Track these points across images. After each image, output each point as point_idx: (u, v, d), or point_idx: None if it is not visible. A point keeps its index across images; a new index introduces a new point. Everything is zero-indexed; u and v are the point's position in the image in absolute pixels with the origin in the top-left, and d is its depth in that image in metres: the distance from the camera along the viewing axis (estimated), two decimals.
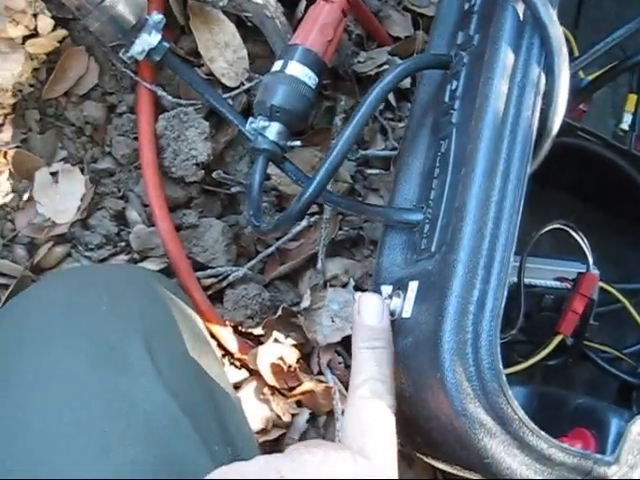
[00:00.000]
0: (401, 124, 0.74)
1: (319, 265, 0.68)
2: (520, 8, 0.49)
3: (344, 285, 0.69)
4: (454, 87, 0.55)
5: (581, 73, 0.70)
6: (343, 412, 0.64)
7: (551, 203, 0.81)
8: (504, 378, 0.41)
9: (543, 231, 0.61)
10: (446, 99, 0.55)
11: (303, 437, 0.66)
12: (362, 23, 0.73)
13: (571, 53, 0.70)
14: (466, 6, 0.58)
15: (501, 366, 0.41)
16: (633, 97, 0.71)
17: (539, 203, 0.80)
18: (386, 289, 0.51)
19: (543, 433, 0.42)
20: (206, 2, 0.64)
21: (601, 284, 0.69)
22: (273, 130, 0.57)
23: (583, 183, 0.78)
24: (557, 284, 0.66)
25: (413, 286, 0.48)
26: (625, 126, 0.71)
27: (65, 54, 0.63)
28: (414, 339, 0.46)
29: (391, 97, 0.74)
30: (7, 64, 0.60)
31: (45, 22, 0.61)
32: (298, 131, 0.65)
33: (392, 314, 0.48)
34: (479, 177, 0.46)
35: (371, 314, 0.47)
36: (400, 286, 0.50)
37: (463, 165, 0.47)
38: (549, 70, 0.47)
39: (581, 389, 0.78)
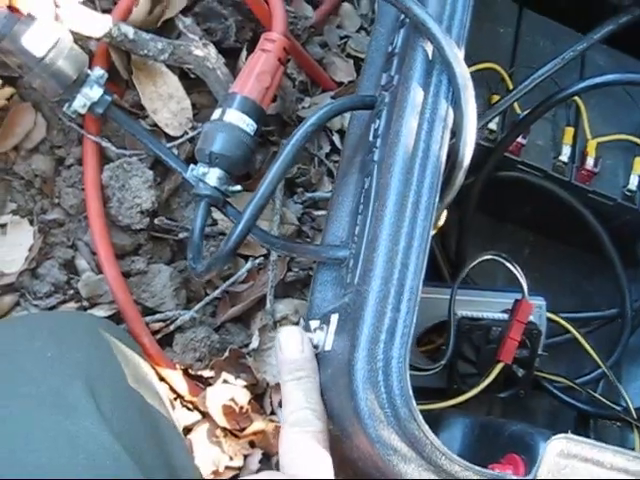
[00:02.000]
0: None
1: (268, 306, 0.69)
2: (429, 49, 0.52)
3: (295, 324, 0.70)
4: (377, 126, 0.57)
5: (518, 109, 0.72)
6: None
7: (505, 236, 0.82)
8: (414, 404, 0.42)
9: (474, 263, 0.63)
10: (370, 138, 0.57)
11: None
12: (305, 70, 0.76)
13: (507, 90, 0.72)
14: (389, 49, 0.61)
15: (411, 392, 0.42)
16: (570, 130, 0.73)
17: (494, 237, 0.82)
18: (314, 324, 0.52)
19: (455, 457, 0.42)
20: (148, 57, 0.66)
21: (548, 314, 0.71)
22: (213, 176, 0.60)
23: (533, 216, 0.80)
24: (503, 316, 0.67)
25: (334, 319, 0.49)
26: (565, 158, 0.73)
27: (13, 110, 0.66)
28: (332, 370, 0.47)
29: (337, 140, 0.76)
30: None
31: None
32: (242, 175, 0.68)
33: (316, 347, 0.50)
34: (390, 209, 0.47)
35: (292, 346, 0.48)
36: (325, 320, 0.51)
37: (377, 199, 0.49)
38: (457, 105, 0.49)
39: (541, 420, 0.78)
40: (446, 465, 0.42)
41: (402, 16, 0.61)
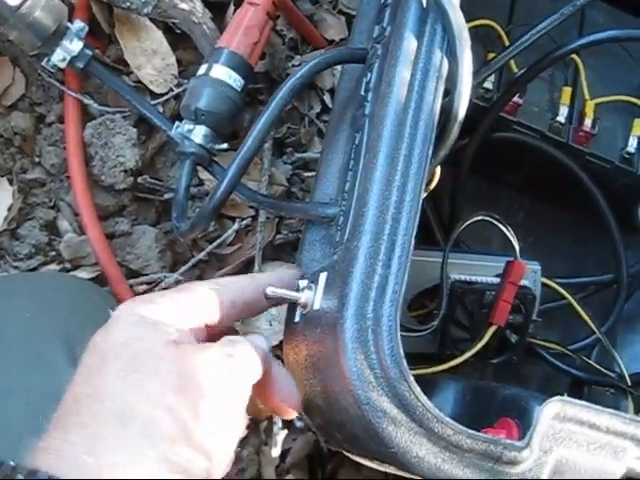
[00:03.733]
0: None
1: (256, 269, 0.67)
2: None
3: None
4: (368, 79, 0.54)
5: (514, 67, 0.70)
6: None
7: (500, 201, 0.80)
8: (405, 364, 0.40)
9: (466, 224, 0.61)
10: (362, 92, 0.55)
11: (244, 441, 0.65)
12: (295, 27, 0.73)
13: (504, 47, 0.70)
14: (382, 0, 0.58)
15: (402, 352, 0.41)
16: (568, 90, 0.71)
17: (489, 201, 0.80)
18: (302, 283, 0.50)
19: (448, 419, 0.41)
20: (131, 10, 0.64)
21: (543, 279, 0.69)
22: (199, 133, 0.58)
23: (528, 179, 0.78)
24: (497, 280, 0.65)
25: (323, 277, 0.47)
26: (562, 119, 0.70)
27: None
28: (321, 329, 0.45)
29: (328, 99, 0.74)
30: None
31: None
32: (229, 134, 0.66)
33: (305, 307, 0.48)
34: (381, 162, 0.45)
35: None
36: (313, 279, 0.49)
37: (367, 152, 0.47)
38: (452, 55, 0.47)
39: (534, 386, 0.77)
40: (438, 428, 0.41)
41: None
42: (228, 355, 0.39)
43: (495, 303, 0.62)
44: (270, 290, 0.48)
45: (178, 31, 0.68)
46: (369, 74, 0.55)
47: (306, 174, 0.71)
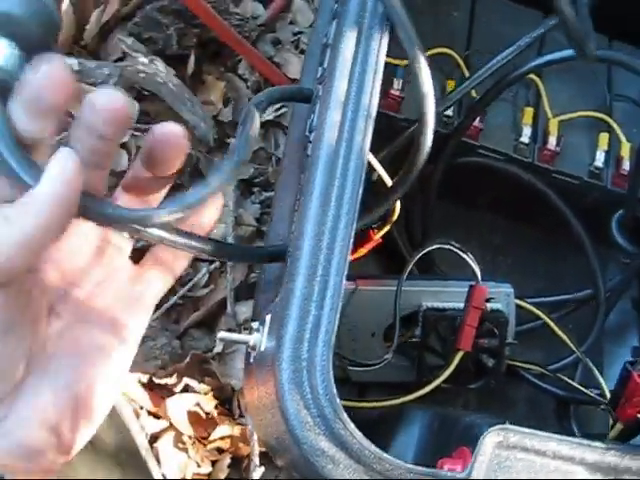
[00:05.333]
0: None
1: (229, 309, 0.68)
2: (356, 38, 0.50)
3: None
4: (311, 120, 0.56)
5: (473, 92, 0.70)
6: (259, 454, 0.65)
7: (474, 223, 0.81)
8: (338, 402, 0.41)
9: (421, 253, 0.61)
10: (307, 133, 0.56)
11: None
12: (257, 69, 0.75)
13: (462, 75, 0.71)
14: (325, 40, 0.60)
15: (334, 390, 0.41)
16: (530, 110, 0.72)
17: (462, 225, 0.81)
18: (254, 325, 0.51)
19: (386, 455, 0.41)
20: (96, 84, 0.66)
21: (516, 301, 0.69)
22: None
23: (499, 200, 0.78)
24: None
25: (267, 319, 0.48)
26: (525, 139, 0.71)
27: None
28: (265, 371, 0.46)
29: None
30: None
31: None
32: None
33: (254, 349, 0.49)
34: (314, 204, 0.46)
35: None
36: (262, 321, 0.50)
37: (302, 195, 0.48)
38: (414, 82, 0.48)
39: (521, 409, 0.76)
40: (376, 464, 0.41)
41: (335, 6, 0.60)
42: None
43: (461, 328, 0.62)
44: (221, 335, 0.49)
45: (146, 92, 0.70)
46: (312, 115, 0.56)
47: None
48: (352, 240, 0.45)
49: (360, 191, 0.46)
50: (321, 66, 0.59)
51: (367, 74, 0.49)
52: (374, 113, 0.48)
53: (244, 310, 0.69)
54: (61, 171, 0.33)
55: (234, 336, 0.49)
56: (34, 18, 0.37)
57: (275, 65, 0.76)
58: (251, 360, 0.51)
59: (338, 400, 0.41)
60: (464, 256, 0.62)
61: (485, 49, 0.71)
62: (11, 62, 0.36)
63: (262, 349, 0.47)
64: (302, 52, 0.78)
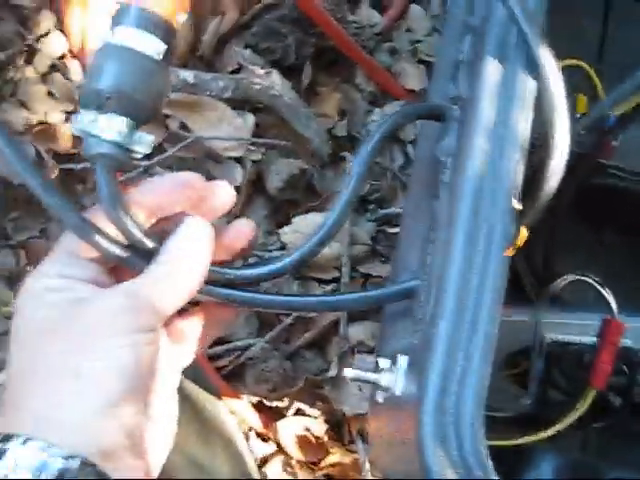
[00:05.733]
0: None
1: (341, 331, 0.66)
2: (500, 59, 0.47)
3: (371, 350, 0.67)
4: (447, 143, 0.52)
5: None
6: None
7: (601, 250, 0.75)
8: (490, 465, 0.38)
9: (560, 286, 0.57)
10: (440, 156, 0.53)
11: None
12: (374, 80, 0.72)
13: (595, 91, 0.66)
14: (460, 56, 0.56)
15: (484, 449, 0.38)
16: None
17: (589, 251, 0.75)
18: (383, 362, 0.49)
19: None
20: (212, 96, 0.65)
21: None
22: (108, 125, 0.39)
23: (633, 225, 0.72)
24: (594, 340, 0.61)
25: (403, 361, 0.45)
26: None
27: None
28: (403, 418, 0.43)
29: (411, 151, 0.72)
30: None
31: None
32: (309, 196, 0.65)
33: (386, 390, 0.46)
34: (460, 241, 0.43)
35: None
36: (394, 360, 0.47)
37: (445, 228, 0.45)
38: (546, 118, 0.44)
39: None
40: None
41: (470, 20, 0.56)
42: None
43: (594, 365, 0.58)
44: (350, 373, 0.46)
45: (260, 105, 0.68)
46: (447, 138, 0.52)
47: (391, 230, 0.70)
48: (505, 284, 0.42)
49: (513, 228, 0.43)
50: (454, 84, 0.55)
51: (516, 100, 0.45)
52: (526, 144, 0.45)
53: (357, 332, 0.67)
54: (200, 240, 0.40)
55: (363, 375, 0.46)
56: (147, 94, 0.41)
57: (392, 75, 0.73)
58: (380, 399, 0.48)
59: (489, 462, 0.38)
60: (602, 290, 0.58)
61: (620, 61, 0.66)
62: (126, 139, 0.40)
63: (398, 393, 0.45)
64: (420, 62, 0.74)
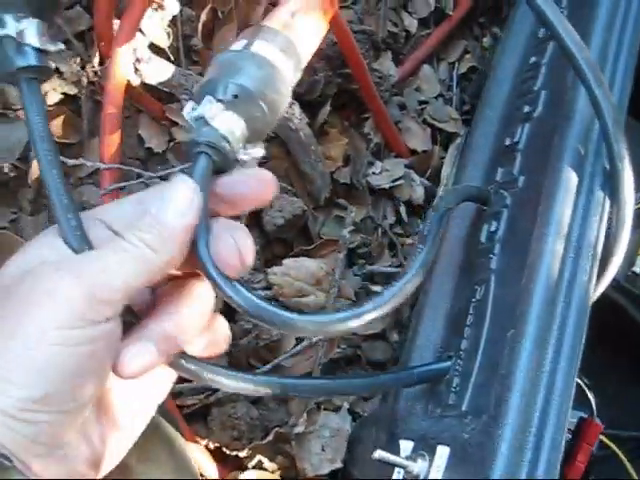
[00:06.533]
0: (409, 240, 0.71)
1: None
2: (579, 146, 0.47)
3: (337, 409, 0.64)
4: (493, 228, 0.51)
5: None
6: None
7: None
8: None
9: None
10: (483, 239, 0.52)
11: None
12: (382, 130, 0.70)
13: None
14: (507, 141, 0.56)
15: None
16: None
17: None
18: (406, 445, 0.47)
19: None
20: None
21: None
22: (227, 124, 0.37)
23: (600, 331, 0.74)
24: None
25: (442, 452, 0.43)
26: (638, 269, 0.69)
27: None
28: None
29: (403, 212, 0.71)
30: None
31: None
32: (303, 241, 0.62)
33: (416, 477, 0.44)
34: (529, 343, 0.42)
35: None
36: (424, 446, 0.45)
37: (509, 325, 0.44)
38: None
39: None
40: None
41: (525, 107, 0.56)
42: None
43: (570, 463, 0.59)
44: (378, 454, 0.44)
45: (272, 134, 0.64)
46: (494, 223, 0.52)
47: (373, 288, 0.68)
48: (572, 395, 0.41)
49: (582, 341, 0.43)
50: (503, 168, 0.54)
51: (593, 208, 0.45)
52: (599, 253, 0.45)
53: None
54: (189, 204, 0.33)
55: (393, 458, 0.44)
56: (273, 113, 0.38)
57: (399, 132, 0.72)
58: None
59: None
60: (584, 387, 0.59)
61: None
62: (238, 142, 0.37)
63: None
64: (425, 123, 0.74)
